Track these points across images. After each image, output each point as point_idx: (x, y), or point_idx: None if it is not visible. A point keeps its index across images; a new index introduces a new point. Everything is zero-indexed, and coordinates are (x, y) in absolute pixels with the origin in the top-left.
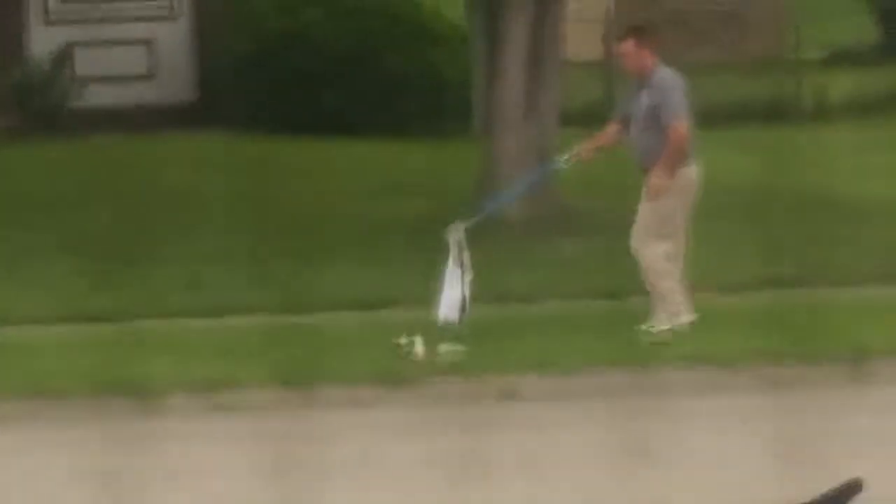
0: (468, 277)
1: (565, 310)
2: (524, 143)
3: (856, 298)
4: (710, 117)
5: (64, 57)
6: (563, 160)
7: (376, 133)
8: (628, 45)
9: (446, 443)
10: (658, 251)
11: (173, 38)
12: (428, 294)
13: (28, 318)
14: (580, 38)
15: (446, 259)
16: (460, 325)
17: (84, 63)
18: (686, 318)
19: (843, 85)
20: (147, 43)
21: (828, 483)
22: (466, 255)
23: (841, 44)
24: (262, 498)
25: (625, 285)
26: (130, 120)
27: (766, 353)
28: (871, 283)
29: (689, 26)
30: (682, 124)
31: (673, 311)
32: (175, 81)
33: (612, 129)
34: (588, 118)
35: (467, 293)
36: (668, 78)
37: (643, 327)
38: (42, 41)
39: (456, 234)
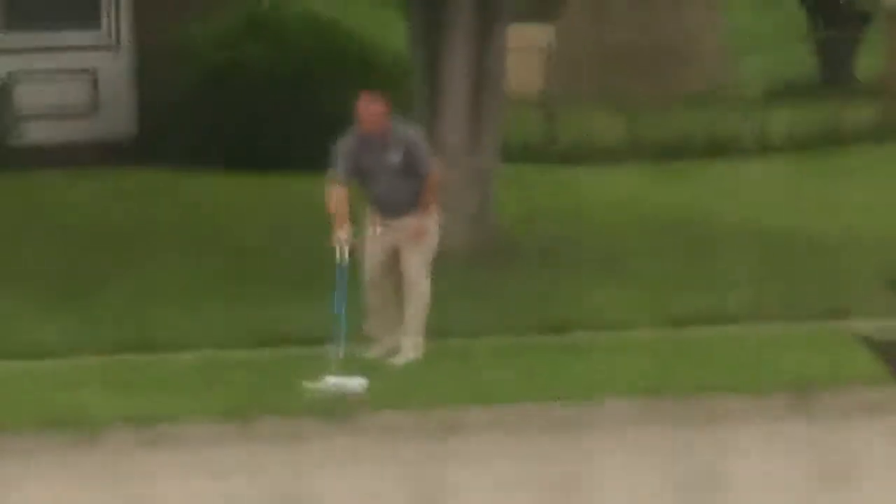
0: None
1: (507, 343)
2: (466, 178)
3: (790, 332)
4: (650, 151)
5: (6, 88)
6: (341, 255)
7: (316, 169)
8: (379, 107)
9: (387, 475)
10: (428, 286)
11: (114, 70)
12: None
13: None
14: (519, 71)
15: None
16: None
17: (24, 95)
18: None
19: (783, 119)
20: (88, 74)
21: None
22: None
23: (781, 77)
24: None
25: (568, 318)
26: (69, 154)
27: (701, 385)
28: (808, 317)
29: (629, 60)
30: (439, 172)
31: (419, 343)
32: (116, 115)
33: (342, 192)
34: (527, 151)
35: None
36: (413, 133)
37: (400, 362)
38: None
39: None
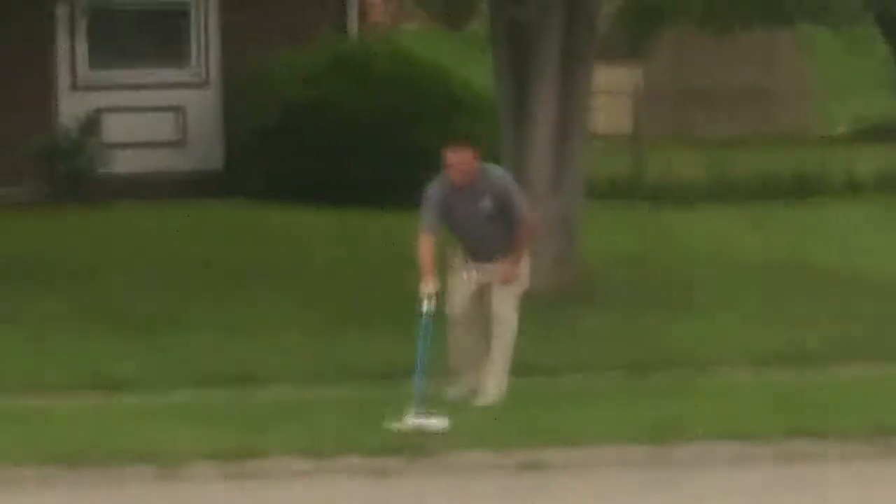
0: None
1: (591, 383)
2: (550, 216)
3: (877, 374)
4: (737, 192)
5: (92, 123)
6: (427, 307)
7: (401, 204)
8: (467, 156)
9: None
10: (516, 324)
11: (203, 105)
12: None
13: (55, 385)
14: (608, 112)
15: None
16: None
17: (112, 129)
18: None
19: (869, 160)
20: (176, 110)
21: None
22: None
23: (868, 119)
24: None
25: (652, 358)
26: (157, 187)
27: (787, 427)
28: (891, 359)
29: (715, 101)
30: (533, 216)
31: (503, 382)
32: (203, 149)
33: (430, 243)
34: (614, 190)
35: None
36: (503, 176)
37: (481, 402)
38: (71, 106)
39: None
